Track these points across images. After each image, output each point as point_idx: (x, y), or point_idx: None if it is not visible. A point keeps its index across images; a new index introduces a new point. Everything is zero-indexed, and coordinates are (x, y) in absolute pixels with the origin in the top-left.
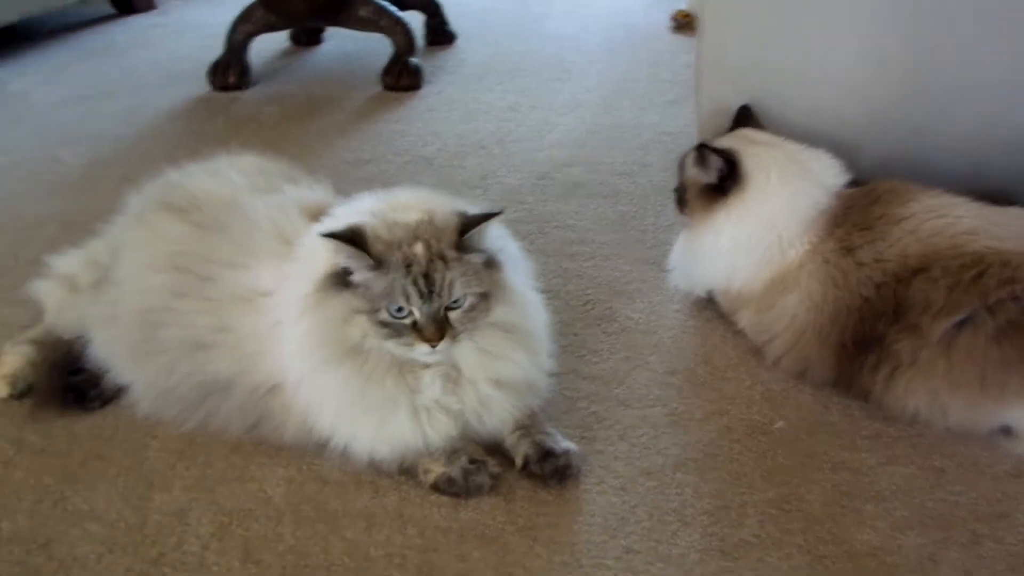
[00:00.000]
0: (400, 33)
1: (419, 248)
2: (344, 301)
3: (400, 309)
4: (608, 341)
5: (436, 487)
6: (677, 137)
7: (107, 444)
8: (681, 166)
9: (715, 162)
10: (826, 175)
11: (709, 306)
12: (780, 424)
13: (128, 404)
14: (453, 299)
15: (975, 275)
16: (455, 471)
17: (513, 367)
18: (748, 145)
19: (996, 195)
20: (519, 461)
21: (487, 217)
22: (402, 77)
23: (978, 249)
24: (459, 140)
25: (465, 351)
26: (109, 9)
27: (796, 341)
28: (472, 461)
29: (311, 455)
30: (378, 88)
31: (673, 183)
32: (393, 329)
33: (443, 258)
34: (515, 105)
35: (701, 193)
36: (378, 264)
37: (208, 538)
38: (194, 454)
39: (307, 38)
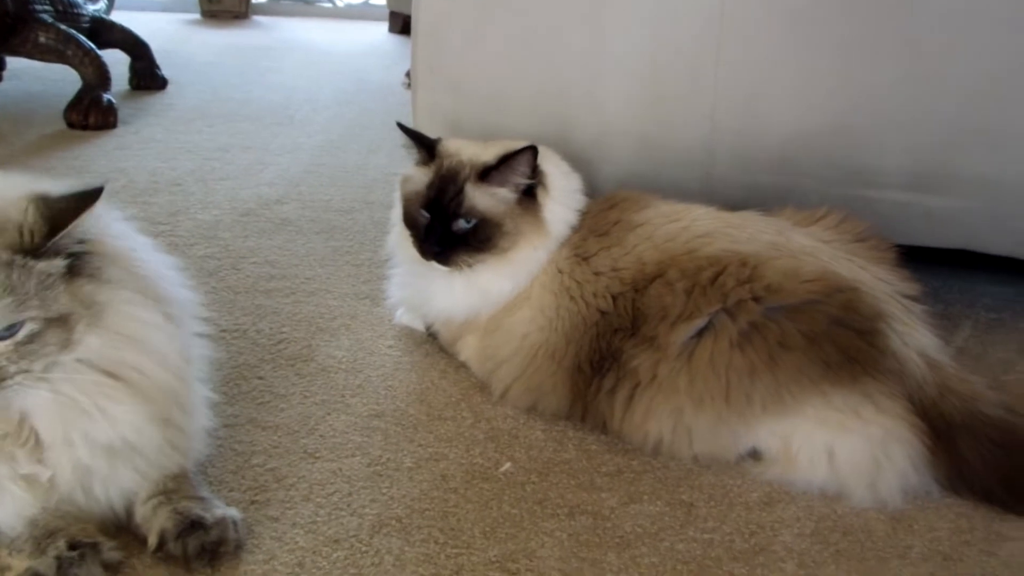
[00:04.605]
0: (90, 65)
1: None
2: None
3: None
4: (301, 384)
5: None
6: None
7: None
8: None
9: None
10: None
11: (429, 341)
12: (507, 467)
13: None
14: None
15: (712, 276)
16: (45, 564)
17: (116, 427)
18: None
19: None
20: (152, 540)
21: (80, 202)
22: (91, 114)
23: (714, 252)
24: (150, 177)
25: (37, 402)
26: None
27: (526, 366)
28: (73, 546)
29: None
30: (61, 126)
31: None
32: None
33: None
34: (225, 146)
35: None
36: None
37: None
38: None
39: None
